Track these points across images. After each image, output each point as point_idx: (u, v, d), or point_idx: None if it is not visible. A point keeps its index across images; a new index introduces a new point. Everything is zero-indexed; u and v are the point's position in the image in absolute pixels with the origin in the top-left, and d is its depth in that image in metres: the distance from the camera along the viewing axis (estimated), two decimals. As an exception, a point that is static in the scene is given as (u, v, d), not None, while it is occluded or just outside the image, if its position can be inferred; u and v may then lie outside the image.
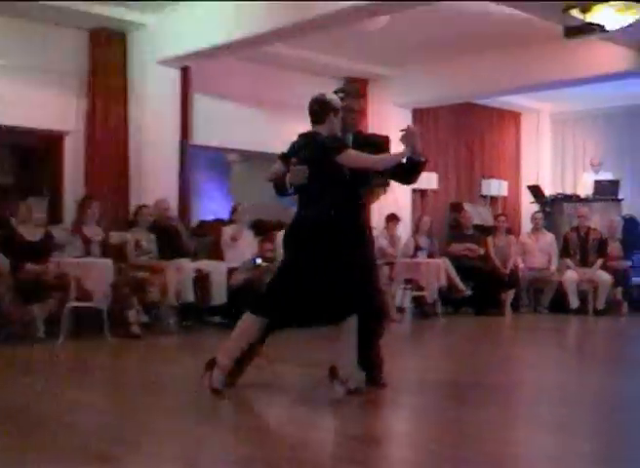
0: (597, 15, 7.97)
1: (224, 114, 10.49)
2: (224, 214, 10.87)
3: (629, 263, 11.99)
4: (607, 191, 12.75)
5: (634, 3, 7.77)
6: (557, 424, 4.72)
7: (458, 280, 11.04)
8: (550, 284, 11.67)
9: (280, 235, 10.12)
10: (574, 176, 14.59)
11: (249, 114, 10.78)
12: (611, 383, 6.19)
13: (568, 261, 11.73)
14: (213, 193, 13.35)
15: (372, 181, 5.62)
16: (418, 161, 5.44)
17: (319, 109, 5.35)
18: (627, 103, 13.40)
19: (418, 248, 11.37)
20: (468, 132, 13.94)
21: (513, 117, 14.79)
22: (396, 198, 12.00)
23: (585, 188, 13.14)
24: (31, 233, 8.32)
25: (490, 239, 12.06)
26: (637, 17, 7.96)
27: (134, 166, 9.87)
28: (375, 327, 5.68)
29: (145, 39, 9.83)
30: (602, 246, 11.77)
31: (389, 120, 12.32)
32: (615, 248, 11.97)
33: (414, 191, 12.88)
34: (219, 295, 9.03)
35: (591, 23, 8.19)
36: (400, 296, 11.02)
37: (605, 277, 11.37)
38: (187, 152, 9.99)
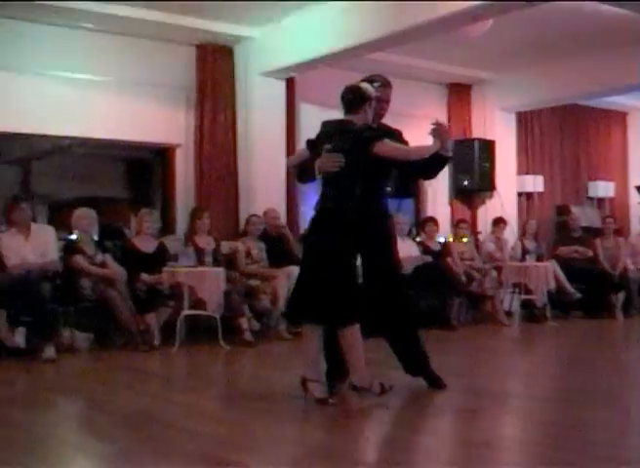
0: None
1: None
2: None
3: None
4: None
5: None
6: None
7: (566, 283, 10.91)
8: (662, 285, 11.45)
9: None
10: (683, 176, 14.26)
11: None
12: None
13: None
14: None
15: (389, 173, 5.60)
16: (444, 156, 5.39)
17: (355, 98, 5.31)
18: None
19: (525, 251, 11.29)
20: (574, 133, 13.73)
21: (619, 117, 14.50)
22: (502, 202, 11.96)
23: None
24: (145, 244, 8.58)
25: (598, 241, 11.88)
26: None
27: (243, 176, 10.06)
28: (411, 332, 5.77)
29: (251, 52, 10.02)
30: None
31: (494, 124, 12.30)
32: None
33: (519, 194, 12.80)
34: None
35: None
36: (509, 300, 10.95)
37: None
38: (294, 162, 10.11)
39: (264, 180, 9.87)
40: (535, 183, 12.75)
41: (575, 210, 12.84)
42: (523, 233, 11.65)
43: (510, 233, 11.74)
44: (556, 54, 10.82)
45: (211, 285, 8.01)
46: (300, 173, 5.62)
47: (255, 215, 9.43)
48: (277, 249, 9.24)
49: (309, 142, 5.53)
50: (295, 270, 8.95)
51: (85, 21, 9.14)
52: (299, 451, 4.20)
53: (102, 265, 8.17)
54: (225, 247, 9.20)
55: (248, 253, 9.16)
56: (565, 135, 13.59)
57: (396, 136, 5.57)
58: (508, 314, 10.73)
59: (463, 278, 10.26)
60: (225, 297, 8.25)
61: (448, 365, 7.29)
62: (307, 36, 9.30)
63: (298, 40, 9.43)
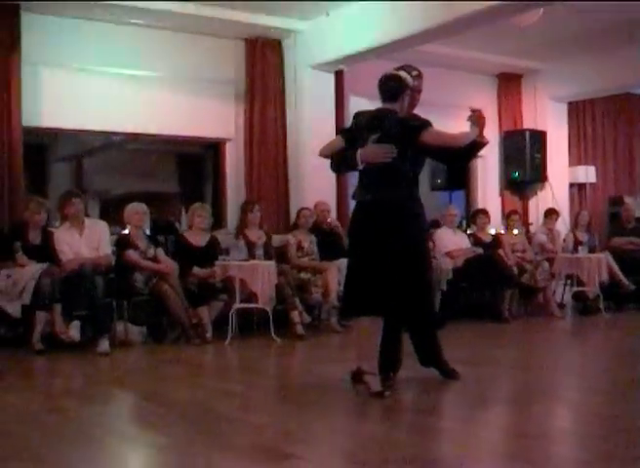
0: None
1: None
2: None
3: None
4: None
5: None
6: None
7: (621, 275, 10.78)
8: None
9: (439, 232, 10.20)
10: None
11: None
12: None
13: None
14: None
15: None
16: (480, 142, 5.32)
17: (396, 87, 5.28)
18: None
19: (578, 243, 11.16)
20: (626, 123, 13.53)
21: (673, 106, 14.29)
22: (553, 193, 11.86)
23: None
24: (197, 239, 8.63)
25: (653, 232, 11.72)
26: None
27: (293, 169, 10.09)
28: (429, 326, 5.70)
29: (300, 45, 10.04)
30: None
31: (545, 115, 12.22)
32: None
33: (571, 186, 12.67)
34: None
35: None
36: (561, 292, 10.85)
37: None
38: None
39: (314, 173, 9.85)
40: (587, 174, 12.62)
41: (628, 200, 12.67)
42: (575, 224, 11.53)
43: (562, 225, 11.64)
44: (607, 42, 10.68)
45: (262, 278, 8.03)
46: (337, 162, 5.49)
47: (305, 208, 9.44)
48: (328, 241, 9.24)
49: (345, 131, 5.50)
50: (346, 263, 9.00)
51: (135, 18, 9.22)
52: (353, 444, 4.19)
53: (155, 260, 8.24)
54: (276, 240, 9.23)
55: (299, 246, 9.19)
56: (617, 124, 13.41)
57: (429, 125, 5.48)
58: (561, 306, 10.63)
59: (515, 270, 10.17)
60: (277, 291, 8.27)
61: (500, 357, 7.29)
62: (356, 29, 9.30)
63: (346, 33, 9.42)
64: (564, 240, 11.29)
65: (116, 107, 9.28)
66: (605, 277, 10.42)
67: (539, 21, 8.87)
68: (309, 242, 9.25)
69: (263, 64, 10.04)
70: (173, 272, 8.15)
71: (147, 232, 8.62)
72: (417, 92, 5.44)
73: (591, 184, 12.84)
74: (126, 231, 8.43)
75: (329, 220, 9.56)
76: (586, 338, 9.30)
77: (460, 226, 10.85)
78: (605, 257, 10.64)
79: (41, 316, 7.42)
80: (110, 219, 8.78)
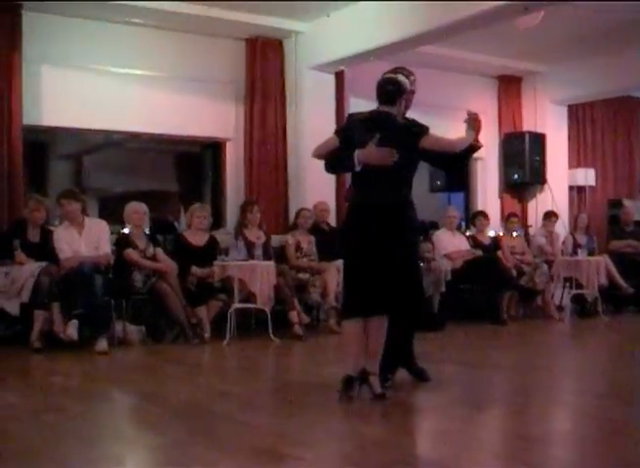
0: None
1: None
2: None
3: None
4: None
5: None
6: None
7: (619, 278, 10.79)
8: None
9: (439, 234, 10.21)
10: None
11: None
12: None
13: None
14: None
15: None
16: (475, 145, 5.32)
17: (394, 90, 5.25)
18: None
19: (577, 245, 11.16)
20: (626, 126, 13.54)
21: (673, 109, 14.28)
22: (553, 195, 11.86)
23: None
24: (196, 238, 8.63)
25: (652, 235, 11.73)
26: None
27: (292, 169, 10.09)
28: (413, 323, 5.73)
29: (301, 46, 10.05)
30: None
31: (545, 117, 12.22)
32: None
33: (570, 188, 12.68)
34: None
35: None
36: (560, 295, 10.85)
37: None
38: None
39: (314, 174, 9.78)
40: (586, 177, 12.62)
41: (627, 203, 12.67)
42: (574, 227, 11.55)
43: (561, 227, 11.65)
44: (608, 45, 10.69)
45: (261, 278, 8.04)
46: (331, 163, 5.38)
47: (305, 209, 9.45)
48: (327, 242, 9.24)
49: (340, 132, 5.41)
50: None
51: (136, 17, 9.23)
52: (352, 445, 4.19)
53: (154, 259, 8.24)
54: (275, 240, 9.24)
55: (298, 247, 9.20)
56: (617, 127, 13.41)
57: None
58: (559, 309, 10.63)
59: (514, 272, 10.19)
60: (276, 291, 8.28)
61: (498, 359, 7.30)
62: (356, 30, 9.30)
63: (347, 33, 9.43)
64: (563, 242, 11.31)
65: (116, 106, 9.28)
66: (604, 280, 10.44)
67: (539, 24, 8.88)
68: (308, 242, 9.26)
69: (264, 65, 10.05)
70: (172, 271, 8.16)
71: (147, 231, 8.61)
72: (411, 93, 5.42)
73: (591, 187, 12.84)
74: (125, 230, 8.44)
75: (328, 218, 9.57)
76: (585, 341, 9.31)
77: (459, 228, 10.86)
78: (604, 260, 10.66)
79: (40, 314, 7.43)
80: (110, 218, 8.78)
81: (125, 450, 4.18)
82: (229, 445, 4.11)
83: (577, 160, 12.81)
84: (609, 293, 10.78)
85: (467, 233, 10.92)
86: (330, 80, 10.20)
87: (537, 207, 12.22)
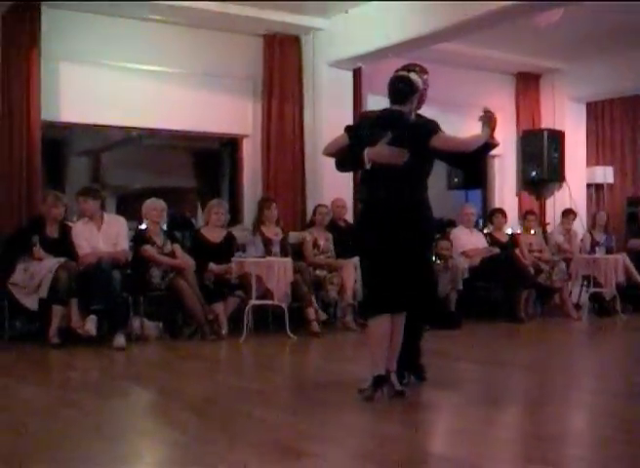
0: None
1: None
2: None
3: None
4: None
5: None
6: None
7: (638, 276, 10.73)
8: None
9: (456, 232, 10.19)
10: None
11: (422, 113, 10.76)
12: None
13: None
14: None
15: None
16: (491, 143, 5.19)
17: (406, 89, 5.17)
18: None
19: (595, 243, 11.11)
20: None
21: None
22: (570, 193, 11.82)
23: None
24: (214, 235, 8.65)
25: (670, 233, 11.66)
26: None
27: (310, 166, 10.07)
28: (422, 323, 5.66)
29: (318, 42, 10.04)
30: None
31: (563, 115, 12.17)
32: None
33: (588, 186, 12.62)
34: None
35: None
36: (577, 293, 10.81)
37: None
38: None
39: (331, 171, 9.71)
40: (605, 175, 12.56)
41: (646, 201, 12.61)
42: (592, 225, 11.49)
43: (579, 225, 11.59)
44: (627, 43, 10.61)
45: (278, 275, 8.03)
46: (341, 161, 5.35)
47: (322, 206, 9.44)
48: (344, 239, 9.22)
49: (350, 129, 5.33)
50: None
51: (154, 14, 9.24)
52: (369, 442, 4.19)
53: (171, 255, 8.26)
54: (293, 237, 9.25)
55: (315, 244, 9.19)
56: (636, 125, 13.30)
57: (437, 126, 5.31)
58: (577, 307, 10.57)
59: (532, 270, 10.14)
60: (293, 288, 8.28)
61: (515, 357, 7.28)
62: (374, 27, 9.29)
63: (365, 30, 9.41)
64: (581, 240, 11.26)
65: (134, 103, 9.29)
66: (622, 278, 10.37)
67: (559, 21, 8.84)
68: (326, 239, 9.25)
69: (282, 61, 10.04)
70: (189, 268, 8.17)
71: (164, 228, 8.63)
72: (424, 90, 5.36)
73: (609, 185, 12.77)
74: (143, 226, 8.46)
75: (346, 215, 9.56)
76: (603, 340, 9.26)
77: (476, 226, 10.83)
78: (622, 258, 10.59)
79: (58, 310, 7.46)
80: (127, 214, 8.80)
81: (143, 446, 4.20)
82: (247, 441, 4.11)
83: (595, 158, 12.75)
84: (627, 292, 10.70)
85: (485, 231, 10.88)
86: (347, 77, 10.18)
87: (555, 204, 12.17)
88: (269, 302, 8.18)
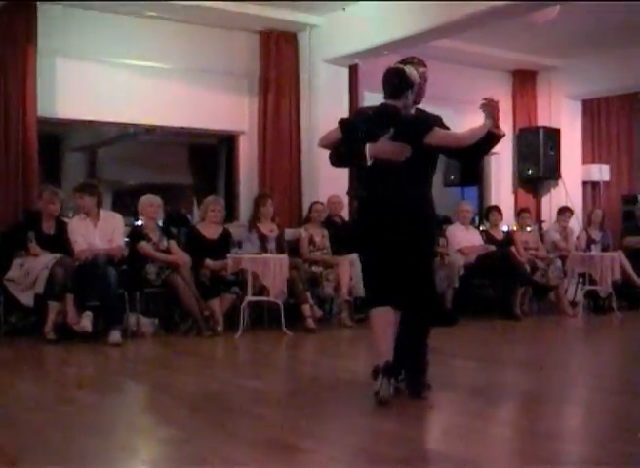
0: None
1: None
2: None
3: None
4: None
5: None
6: None
7: (633, 274, 10.74)
8: None
9: (452, 229, 10.19)
10: None
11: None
12: None
13: None
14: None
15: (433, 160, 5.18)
16: (496, 135, 4.96)
17: (399, 84, 4.97)
18: None
19: (591, 241, 11.12)
20: (641, 121, 13.49)
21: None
22: (566, 190, 11.83)
23: None
24: (210, 231, 8.64)
25: (666, 232, 11.67)
26: None
27: (306, 163, 10.09)
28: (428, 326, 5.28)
29: (315, 39, 10.04)
30: None
31: (559, 112, 12.18)
32: None
33: (584, 184, 12.64)
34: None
35: None
36: (573, 291, 10.82)
37: None
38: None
39: (328, 168, 9.69)
40: (601, 172, 12.57)
41: (642, 199, 12.62)
42: (588, 223, 11.49)
43: (575, 223, 11.60)
44: (623, 40, 10.64)
45: (274, 271, 8.03)
46: (339, 156, 5.14)
47: (318, 202, 9.44)
48: (340, 236, 9.23)
49: (344, 123, 5.18)
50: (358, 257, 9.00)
51: (151, 10, 9.22)
52: (366, 439, 4.20)
53: (167, 251, 8.26)
54: (289, 233, 9.24)
55: (311, 240, 9.19)
56: (632, 123, 13.31)
57: (439, 121, 5.17)
58: (573, 304, 10.58)
59: (527, 267, 10.15)
60: (289, 284, 8.28)
61: (511, 355, 7.29)
62: (371, 23, 9.29)
63: (361, 27, 9.42)
64: (577, 238, 11.27)
65: (131, 99, 9.29)
66: (618, 276, 10.38)
67: (555, 18, 8.84)
68: (322, 236, 9.26)
69: (278, 58, 10.04)
70: (185, 264, 8.17)
71: (160, 224, 8.63)
72: (423, 82, 5.10)
73: (605, 182, 12.78)
74: (139, 223, 8.45)
75: (341, 212, 9.56)
76: (599, 337, 9.28)
77: (472, 223, 10.83)
78: (618, 256, 10.60)
79: (54, 306, 7.46)
80: (123, 210, 8.81)
81: (139, 442, 4.20)
82: (243, 437, 4.12)
83: (591, 155, 12.76)
84: (623, 290, 10.72)
85: (481, 228, 10.89)
86: (344, 74, 10.19)
87: (551, 202, 12.19)
88: (265, 299, 8.18)
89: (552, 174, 11.95)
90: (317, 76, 10.08)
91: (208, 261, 8.36)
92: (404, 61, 5.13)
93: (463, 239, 10.17)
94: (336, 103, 9.97)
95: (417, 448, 3.96)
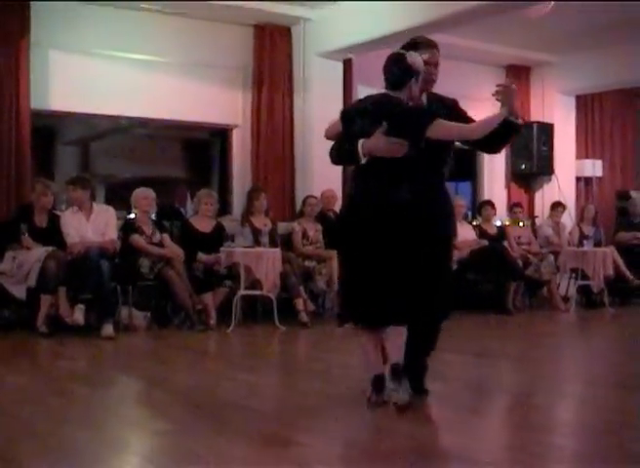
0: None
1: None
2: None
3: None
4: None
5: None
6: None
7: (625, 269, 10.77)
8: None
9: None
10: None
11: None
12: None
13: None
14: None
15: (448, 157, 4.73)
16: (514, 124, 4.49)
17: (400, 73, 4.50)
18: None
19: (583, 236, 11.14)
20: (635, 117, 13.47)
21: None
22: (559, 185, 11.84)
23: None
24: (203, 225, 8.64)
25: (658, 227, 11.70)
26: None
27: (300, 157, 10.08)
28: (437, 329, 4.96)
29: (309, 33, 10.04)
30: None
31: (553, 108, 12.20)
32: None
33: (578, 179, 12.66)
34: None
35: None
36: (566, 286, 10.84)
37: None
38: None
39: (321, 162, 9.70)
40: (594, 168, 12.60)
41: (635, 195, 12.61)
42: (581, 218, 11.51)
43: (568, 218, 11.62)
44: (617, 37, 10.64)
45: (267, 265, 8.04)
46: (337, 153, 4.69)
47: (311, 196, 9.44)
48: (333, 230, 9.20)
49: (344, 115, 4.73)
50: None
51: (144, 3, 9.20)
52: (357, 432, 4.20)
53: (160, 245, 8.25)
54: (282, 227, 9.24)
55: (304, 235, 9.19)
56: (625, 119, 13.34)
57: (451, 106, 4.78)
58: (565, 299, 10.61)
59: (520, 262, 10.17)
60: (282, 278, 8.29)
61: (504, 349, 7.30)
62: (365, 17, 9.28)
63: (355, 21, 9.41)
64: (569, 233, 11.29)
65: (124, 92, 9.27)
66: (610, 271, 10.40)
67: (549, 14, 8.84)
68: (315, 230, 9.25)
69: (272, 51, 10.03)
70: (178, 258, 8.17)
71: (154, 217, 8.62)
72: (431, 65, 4.70)
73: (598, 178, 12.81)
74: (132, 216, 8.44)
75: (335, 206, 9.55)
76: (591, 332, 9.31)
77: (465, 218, 10.84)
78: (610, 252, 10.62)
79: (46, 299, 7.45)
80: (116, 204, 8.79)
81: (131, 435, 4.20)
82: (235, 430, 4.12)
83: (584, 151, 12.79)
84: (615, 285, 10.76)
85: (474, 223, 10.90)
86: (338, 68, 10.18)
87: (543, 197, 12.21)
88: (258, 293, 8.19)
89: (545, 169, 11.97)
90: (311, 70, 10.07)
91: (201, 255, 8.36)
92: (410, 44, 4.73)
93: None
94: (329, 97, 9.96)
95: (408, 440, 3.96)
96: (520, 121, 4.54)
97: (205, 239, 8.52)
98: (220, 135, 10.45)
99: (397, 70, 4.52)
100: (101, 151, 11.28)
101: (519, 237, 10.71)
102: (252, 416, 4.46)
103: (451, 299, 4.88)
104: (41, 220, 7.89)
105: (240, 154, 10.17)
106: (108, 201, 9.70)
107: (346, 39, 9.65)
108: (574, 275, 10.65)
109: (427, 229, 4.48)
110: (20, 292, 7.54)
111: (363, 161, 4.45)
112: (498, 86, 4.46)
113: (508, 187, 12.23)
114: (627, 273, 10.78)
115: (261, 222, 8.75)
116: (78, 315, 7.33)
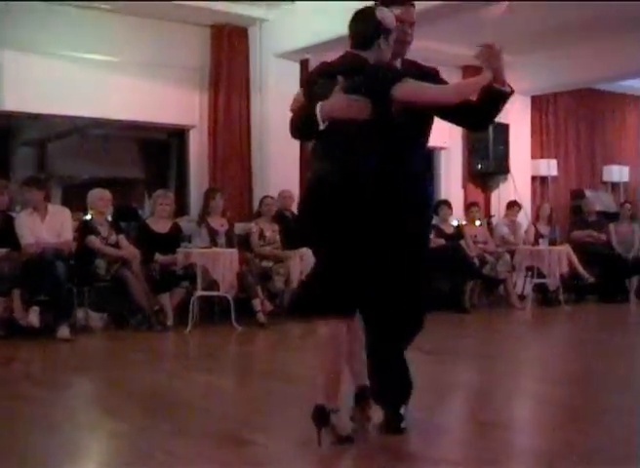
0: None
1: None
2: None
3: None
4: None
5: None
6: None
7: (580, 267, 10.89)
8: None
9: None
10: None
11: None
12: None
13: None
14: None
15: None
16: (500, 92, 3.93)
17: (367, 31, 3.87)
18: None
19: (539, 235, 11.26)
20: (588, 117, 13.63)
21: (635, 101, 14.40)
22: (515, 185, 11.94)
23: None
24: (160, 225, 8.60)
25: (612, 226, 11.84)
26: None
27: (257, 158, 10.07)
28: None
29: (265, 33, 10.02)
30: None
31: (509, 108, 12.17)
32: None
33: (533, 178, 12.77)
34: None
35: None
36: (522, 284, 10.94)
37: None
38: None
39: (278, 162, 9.87)
40: (549, 167, 12.71)
41: (589, 194, 12.81)
42: (536, 217, 11.64)
43: (524, 217, 11.72)
44: (572, 37, 10.73)
45: (224, 266, 8.04)
46: (298, 124, 4.00)
47: (268, 197, 9.44)
48: (291, 230, 9.23)
49: (307, 83, 4.17)
50: (308, 252, 9.01)
51: (100, 2, 9.13)
52: (313, 433, 4.19)
53: (116, 246, 8.22)
54: (239, 228, 9.23)
55: (261, 235, 9.19)
56: (580, 119, 13.50)
57: (431, 75, 4.22)
58: (521, 297, 10.72)
59: (477, 261, 10.25)
60: (239, 279, 8.28)
61: (461, 347, 7.36)
62: (321, 18, 9.26)
63: (311, 22, 9.40)
64: (525, 232, 11.39)
65: (81, 92, 9.17)
66: (565, 269, 10.52)
67: (504, 14, 8.92)
68: (272, 230, 9.25)
69: (229, 52, 10.00)
70: (135, 259, 8.14)
71: (110, 218, 8.58)
72: (406, 24, 4.07)
73: (553, 177, 12.93)
74: (88, 217, 8.39)
75: (292, 206, 9.57)
76: (546, 329, 9.40)
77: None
78: (565, 250, 10.74)
79: (0, 301, 7.37)
80: (73, 205, 8.73)
81: (87, 437, 4.19)
82: (191, 431, 4.12)
83: (540, 150, 12.90)
84: (570, 283, 10.90)
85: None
86: (295, 68, 10.15)
87: (500, 196, 12.28)
88: (215, 293, 8.19)
89: (502, 168, 12.05)
90: (268, 70, 10.06)
91: (158, 256, 8.33)
92: (383, 2, 4.04)
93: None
94: (286, 98, 9.63)
95: (365, 441, 3.98)
96: (507, 88, 3.94)
97: (162, 240, 8.49)
98: (178, 135, 10.41)
99: (364, 26, 3.90)
100: (59, 152, 11.19)
101: (475, 236, 10.78)
102: (208, 417, 4.46)
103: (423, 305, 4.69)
104: (-5, 222, 7.82)
105: (197, 155, 10.13)
106: (66, 202, 9.63)
107: (303, 40, 9.64)
108: (530, 273, 10.74)
109: (400, 207, 3.95)
110: (-27, 294, 7.47)
111: (322, 126, 3.78)
112: (479, 46, 3.98)
113: (465, 187, 12.29)
114: (582, 271, 10.89)
115: (218, 223, 8.74)
116: (33, 317, 7.27)
